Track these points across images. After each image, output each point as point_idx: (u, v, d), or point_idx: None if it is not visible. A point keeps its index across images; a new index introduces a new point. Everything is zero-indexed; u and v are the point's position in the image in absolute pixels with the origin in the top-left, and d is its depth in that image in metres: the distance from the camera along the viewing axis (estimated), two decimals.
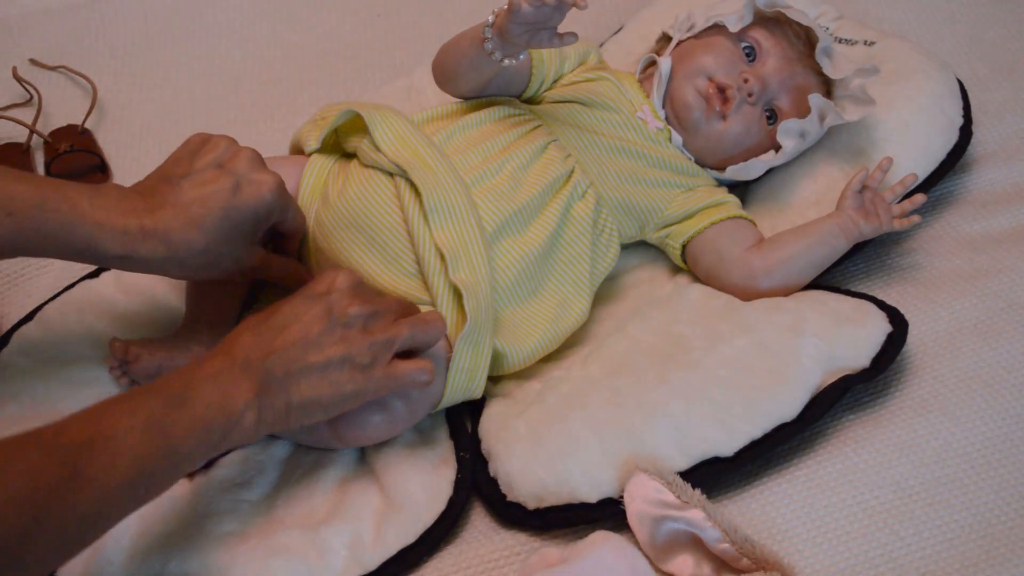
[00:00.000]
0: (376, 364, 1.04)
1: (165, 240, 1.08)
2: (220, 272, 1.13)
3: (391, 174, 1.20)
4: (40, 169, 1.53)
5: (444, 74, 1.28)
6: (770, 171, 1.35)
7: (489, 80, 1.26)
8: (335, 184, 1.23)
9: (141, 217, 1.08)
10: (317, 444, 1.17)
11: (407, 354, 1.07)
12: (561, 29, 1.16)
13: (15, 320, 1.31)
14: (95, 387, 1.22)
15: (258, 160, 1.15)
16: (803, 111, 1.30)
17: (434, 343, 1.09)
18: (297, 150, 1.31)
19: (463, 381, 1.15)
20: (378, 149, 1.21)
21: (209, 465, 1.17)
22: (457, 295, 1.15)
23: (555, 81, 1.33)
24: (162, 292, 1.29)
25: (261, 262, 1.16)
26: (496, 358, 1.18)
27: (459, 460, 1.16)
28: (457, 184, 1.18)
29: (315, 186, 1.25)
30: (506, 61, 1.20)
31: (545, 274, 1.23)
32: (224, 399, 0.98)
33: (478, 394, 1.18)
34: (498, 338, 1.18)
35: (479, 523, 1.15)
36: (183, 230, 1.08)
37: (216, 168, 1.12)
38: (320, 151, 1.28)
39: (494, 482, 1.14)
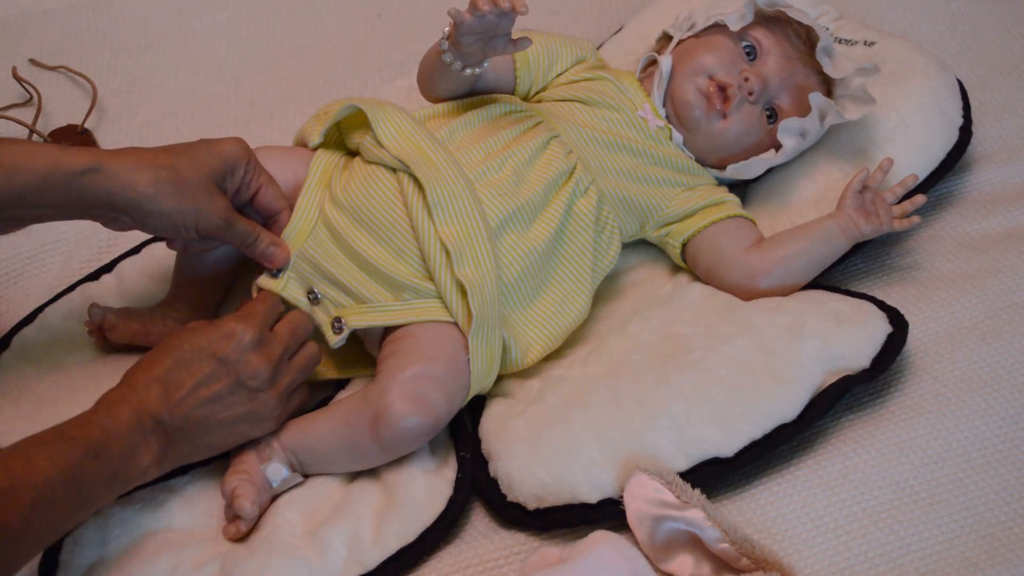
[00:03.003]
0: (277, 410, 1.13)
1: (133, 155, 1.11)
2: (182, 210, 1.13)
3: (394, 170, 1.20)
4: None
5: (423, 85, 1.31)
6: (770, 170, 1.35)
7: (467, 87, 1.28)
8: (339, 180, 1.23)
9: (109, 150, 1.13)
10: (362, 466, 1.16)
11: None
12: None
13: (14, 319, 1.31)
14: (95, 390, 1.22)
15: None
16: (803, 110, 1.30)
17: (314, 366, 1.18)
18: (301, 146, 1.31)
19: (482, 377, 1.17)
20: (380, 145, 1.21)
21: None
22: (463, 290, 1.15)
23: (552, 80, 1.33)
24: (161, 295, 1.29)
25: (224, 214, 1.16)
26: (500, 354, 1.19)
27: (459, 460, 1.16)
28: (461, 179, 1.18)
29: (320, 180, 1.25)
30: (467, 71, 1.22)
31: (548, 271, 1.23)
32: (134, 454, 1.04)
33: (489, 386, 1.19)
34: (503, 333, 1.18)
35: (479, 523, 1.15)
36: (151, 153, 1.12)
37: None
38: (324, 146, 1.28)
39: (494, 482, 1.14)
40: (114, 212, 1.12)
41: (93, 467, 1.00)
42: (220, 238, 1.17)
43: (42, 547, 0.99)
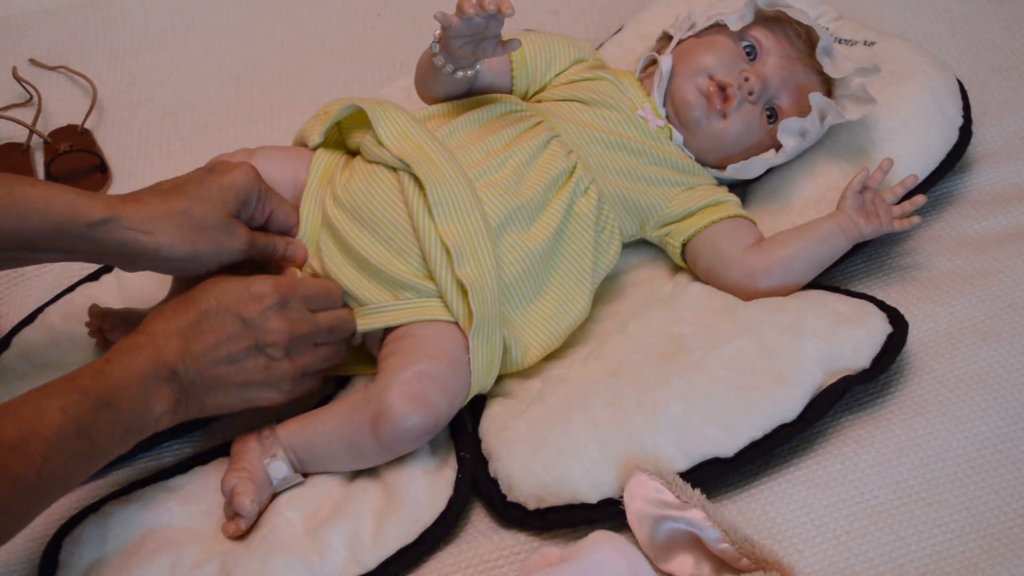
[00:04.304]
0: (290, 385, 1.14)
1: (146, 203, 1.11)
2: (200, 253, 1.13)
3: (394, 169, 1.21)
4: (40, 169, 1.53)
5: (420, 88, 1.32)
6: (770, 170, 1.35)
7: (462, 89, 1.29)
8: (340, 179, 1.23)
9: (123, 196, 1.12)
10: (362, 465, 1.16)
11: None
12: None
13: (15, 319, 1.31)
14: None
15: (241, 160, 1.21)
16: (804, 110, 1.30)
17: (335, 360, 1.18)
18: (301, 146, 1.31)
19: (483, 376, 1.17)
20: (381, 144, 1.21)
21: None
22: (463, 289, 1.15)
23: (550, 80, 1.33)
24: (161, 295, 1.29)
25: (246, 239, 1.16)
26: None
27: (459, 460, 1.16)
28: (461, 178, 1.19)
29: (322, 179, 1.26)
30: (459, 73, 1.23)
31: (548, 270, 1.23)
32: (146, 407, 1.04)
33: (489, 386, 1.19)
34: (503, 332, 1.19)
35: (479, 523, 1.15)
36: (163, 198, 1.12)
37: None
38: (324, 146, 1.28)
39: (494, 482, 1.14)
40: (128, 259, 1.12)
41: (105, 417, 1.00)
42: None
43: (53, 500, 0.98)
